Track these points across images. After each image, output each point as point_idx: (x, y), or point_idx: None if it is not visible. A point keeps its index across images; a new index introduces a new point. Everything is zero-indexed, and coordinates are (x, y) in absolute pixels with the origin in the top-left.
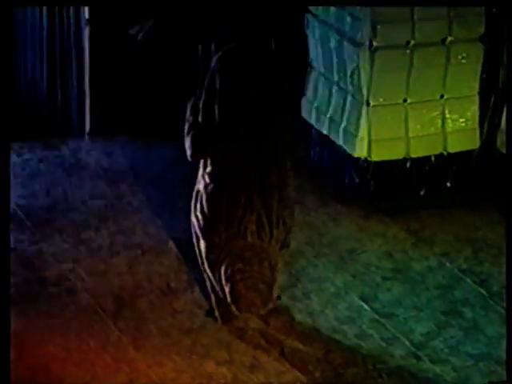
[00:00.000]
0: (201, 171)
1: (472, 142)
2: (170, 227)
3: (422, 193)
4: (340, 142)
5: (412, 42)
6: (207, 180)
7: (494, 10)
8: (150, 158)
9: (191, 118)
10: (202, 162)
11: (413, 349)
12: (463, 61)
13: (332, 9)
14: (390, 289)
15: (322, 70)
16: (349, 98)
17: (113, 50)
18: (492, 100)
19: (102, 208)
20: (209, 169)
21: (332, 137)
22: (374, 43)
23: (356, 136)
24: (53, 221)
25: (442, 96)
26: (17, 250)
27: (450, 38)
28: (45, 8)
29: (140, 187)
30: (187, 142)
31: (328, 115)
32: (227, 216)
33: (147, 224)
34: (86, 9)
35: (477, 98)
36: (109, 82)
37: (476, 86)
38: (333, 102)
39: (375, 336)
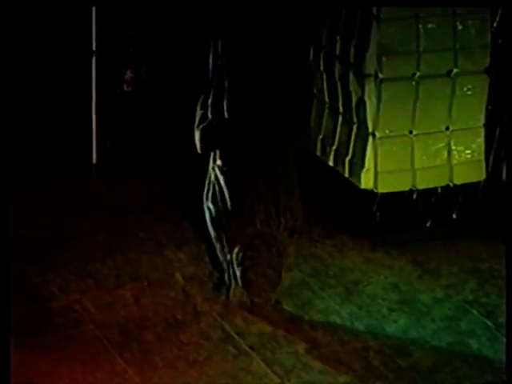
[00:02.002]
0: (211, 164)
1: (478, 174)
2: (177, 259)
3: (428, 224)
4: (346, 173)
5: (417, 74)
6: (217, 172)
7: (500, 41)
8: (155, 189)
9: (201, 113)
10: (212, 155)
11: (419, 380)
12: (469, 93)
13: (337, 39)
14: (396, 320)
15: (328, 101)
16: (354, 130)
17: (120, 82)
18: (497, 132)
19: (108, 239)
20: (218, 162)
21: (338, 168)
22: (380, 75)
23: (362, 168)
24: (59, 252)
25: (447, 128)
26: (22, 281)
27: (455, 70)
28: (53, 36)
29: (146, 218)
30: (197, 136)
31: (333, 147)
32: (236, 206)
33: (153, 255)
34: (94, 39)
35: (482, 130)
36: (115, 114)
37: (481, 117)
38: (338, 133)
39: (381, 368)
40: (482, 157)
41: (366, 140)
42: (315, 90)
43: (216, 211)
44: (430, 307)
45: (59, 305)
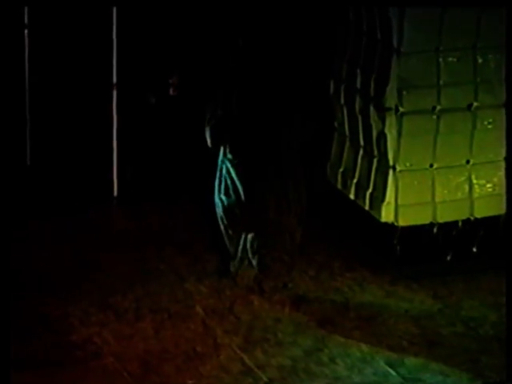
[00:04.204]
0: (221, 157)
1: (498, 208)
2: (197, 291)
3: (448, 258)
4: (366, 206)
5: (438, 108)
6: (228, 165)
7: None
8: (176, 222)
9: (211, 110)
10: (222, 149)
11: None
12: (489, 126)
13: (358, 73)
14: (417, 354)
15: (348, 134)
16: (375, 163)
17: (140, 115)
18: None
19: (128, 272)
20: (229, 155)
21: (358, 202)
22: (400, 108)
23: (383, 201)
24: (79, 284)
25: (468, 161)
26: (43, 313)
27: (475, 104)
28: (73, 69)
29: (166, 251)
30: (207, 132)
31: (354, 180)
32: (249, 196)
33: (174, 288)
34: (115, 72)
35: (503, 164)
36: (136, 146)
37: (502, 151)
38: (359, 166)
39: None
40: (503, 190)
41: (387, 173)
42: (336, 124)
43: (229, 202)
44: (450, 341)
45: (79, 337)
